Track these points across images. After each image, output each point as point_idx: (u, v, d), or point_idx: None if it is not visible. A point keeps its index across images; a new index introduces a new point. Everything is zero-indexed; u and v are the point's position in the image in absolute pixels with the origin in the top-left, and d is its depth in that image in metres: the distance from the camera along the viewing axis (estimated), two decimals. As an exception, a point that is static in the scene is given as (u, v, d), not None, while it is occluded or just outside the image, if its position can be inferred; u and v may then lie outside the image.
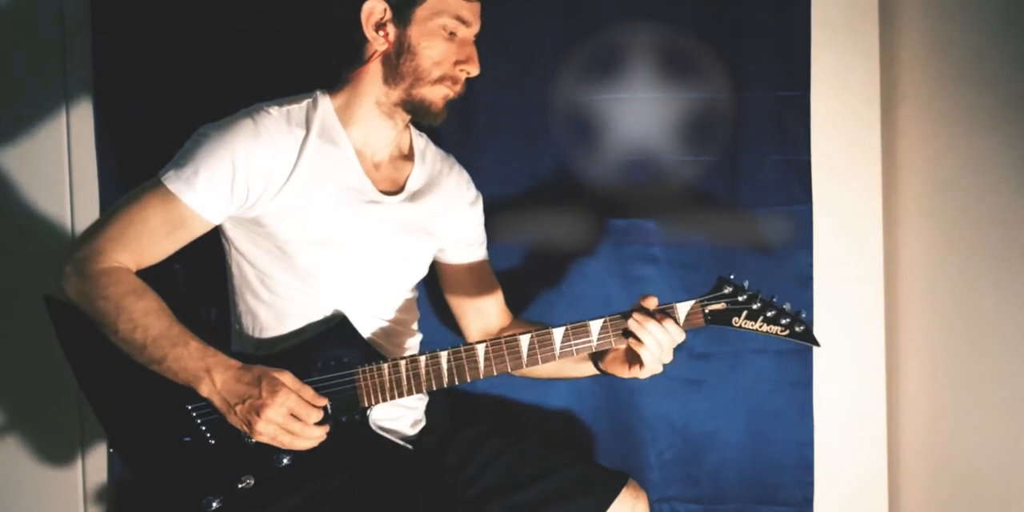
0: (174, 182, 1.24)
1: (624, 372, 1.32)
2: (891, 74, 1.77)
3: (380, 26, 1.32)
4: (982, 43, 1.49)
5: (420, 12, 1.31)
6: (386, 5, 1.31)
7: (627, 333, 1.26)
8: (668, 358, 1.27)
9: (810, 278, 1.75)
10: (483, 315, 1.54)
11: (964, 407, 1.56)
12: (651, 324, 1.23)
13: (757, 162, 1.74)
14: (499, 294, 1.56)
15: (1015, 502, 1.42)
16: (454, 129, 1.69)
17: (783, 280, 1.73)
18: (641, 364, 1.27)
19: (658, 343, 1.24)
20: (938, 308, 1.64)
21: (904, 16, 1.72)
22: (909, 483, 1.76)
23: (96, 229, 1.25)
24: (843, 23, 1.77)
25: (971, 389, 1.54)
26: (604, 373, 1.38)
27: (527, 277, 1.74)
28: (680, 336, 1.25)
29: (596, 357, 1.38)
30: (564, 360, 1.29)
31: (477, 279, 1.54)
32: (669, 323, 1.24)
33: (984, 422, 1.50)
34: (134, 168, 1.42)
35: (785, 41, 1.74)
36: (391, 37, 1.32)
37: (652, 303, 1.27)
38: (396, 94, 1.35)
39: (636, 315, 1.25)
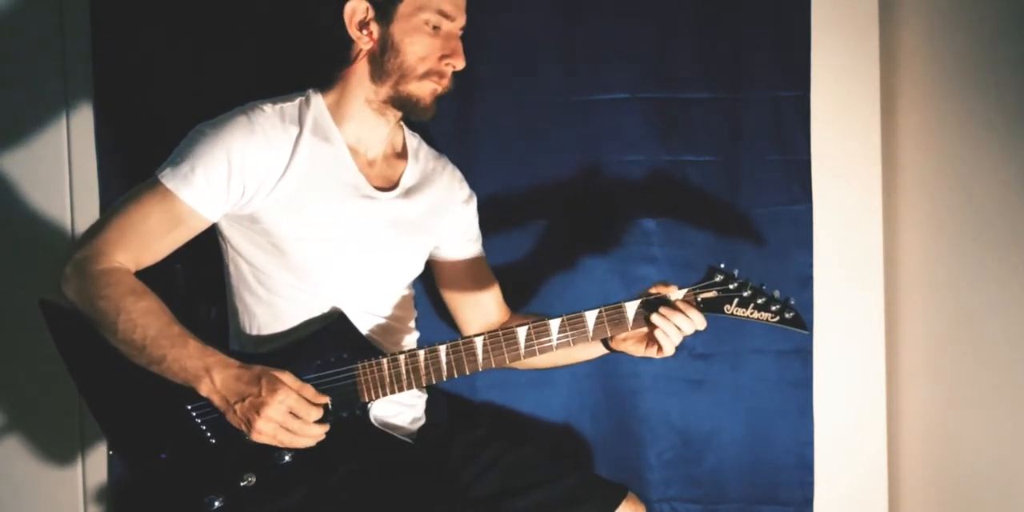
0: (171, 180, 1.24)
1: (638, 351, 1.35)
2: (891, 74, 1.77)
3: (363, 25, 1.33)
4: (982, 43, 1.49)
5: (402, 8, 1.31)
6: (368, 4, 1.32)
7: (648, 321, 1.30)
8: (679, 341, 1.31)
9: (810, 278, 1.75)
10: (482, 310, 1.54)
11: (964, 407, 1.56)
12: (678, 317, 1.27)
13: (757, 162, 1.75)
14: (497, 289, 1.56)
15: (1015, 502, 1.42)
16: (453, 129, 1.70)
17: (783, 280, 1.73)
18: (659, 348, 1.31)
19: (679, 331, 1.28)
20: (938, 308, 1.64)
21: (904, 16, 1.72)
22: (909, 483, 1.76)
23: (95, 230, 1.25)
24: (843, 23, 1.78)
25: (971, 389, 1.54)
26: (614, 352, 1.40)
27: (527, 277, 1.74)
28: (702, 323, 1.29)
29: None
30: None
31: (474, 274, 1.54)
32: (692, 311, 1.28)
33: (984, 422, 1.50)
34: (134, 168, 1.42)
35: (785, 41, 1.74)
36: (375, 35, 1.33)
37: (671, 287, 1.31)
38: (384, 91, 1.35)
39: (663, 309, 1.28)
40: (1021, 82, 1.37)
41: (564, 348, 1.31)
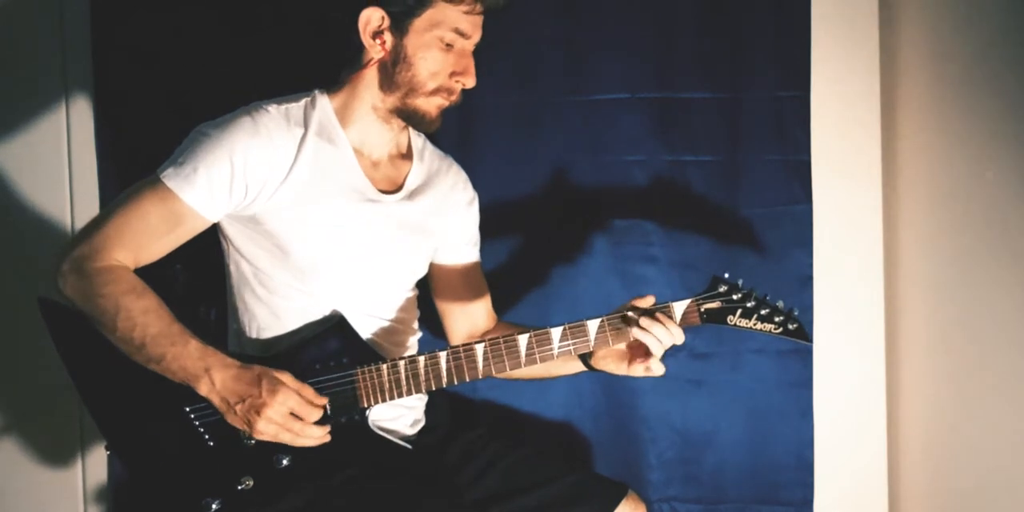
0: (173, 179, 1.23)
1: (620, 369, 1.33)
2: (891, 74, 1.77)
3: (377, 34, 1.31)
4: (982, 43, 1.49)
5: (418, 23, 1.30)
6: (384, 14, 1.30)
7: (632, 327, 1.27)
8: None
9: (810, 278, 1.75)
10: (471, 318, 1.54)
11: (964, 407, 1.56)
12: (658, 328, 1.25)
13: (757, 162, 1.75)
14: (487, 297, 1.56)
15: (1015, 502, 1.42)
16: (454, 129, 1.69)
17: (783, 280, 1.73)
18: (647, 366, 1.29)
19: (661, 345, 1.26)
20: (938, 308, 1.64)
21: (904, 16, 1.72)
22: (909, 483, 1.76)
23: (94, 227, 1.24)
24: (843, 23, 1.78)
25: (971, 389, 1.54)
26: (593, 370, 1.39)
27: (527, 277, 1.74)
28: (680, 337, 1.27)
29: (586, 354, 1.38)
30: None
31: (468, 281, 1.53)
32: (671, 325, 1.26)
33: (984, 422, 1.50)
34: (134, 168, 1.42)
35: (785, 41, 1.74)
36: (388, 46, 1.31)
37: (648, 302, 1.29)
38: (391, 101, 1.34)
39: (643, 320, 1.26)
40: (1021, 82, 1.37)
41: (547, 361, 1.29)
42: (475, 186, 1.57)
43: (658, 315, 1.26)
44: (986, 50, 1.48)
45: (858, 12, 1.78)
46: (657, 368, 1.29)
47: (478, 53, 1.37)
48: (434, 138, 1.58)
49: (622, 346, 1.33)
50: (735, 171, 1.75)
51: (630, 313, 1.28)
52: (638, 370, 1.31)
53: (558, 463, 1.45)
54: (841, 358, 1.80)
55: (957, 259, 1.57)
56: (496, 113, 1.73)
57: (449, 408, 1.65)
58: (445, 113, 1.39)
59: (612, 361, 1.34)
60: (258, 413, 1.17)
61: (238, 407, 1.18)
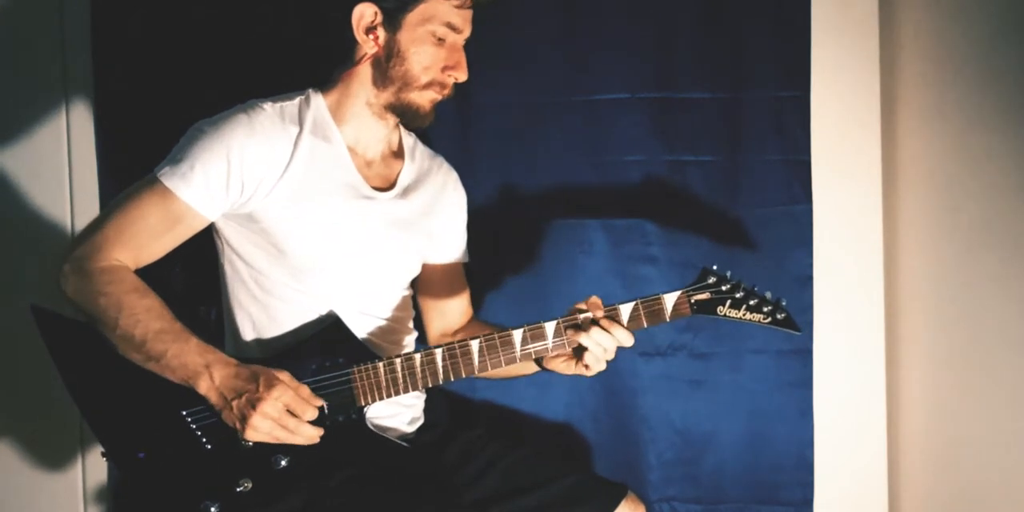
0: (170, 178, 1.24)
1: (568, 369, 1.33)
2: (891, 74, 1.77)
3: (370, 29, 1.32)
4: (982, 43, 1.49)
5: (411, 18, 1.31)
6: (377, 9, 1.31)
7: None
8: (611, 357, 1.29)
9: (810, 278, 1.75)
10: (446, 317, 1.55)
11: (964, 407, 1.56)
12: (594, 331, 1.25)
13: (757, 162, 1.75)
14: (467, 295, 1.56)
15: (1015, 502, 1.42)
16: (453, 129, 1.70)
17: (783, 280, 1.73)
18: (586, 364, 1.29)
19: (601, 347, 1.26)
20: (938, 308, 1.64)
21: (904, 16, 1.72)
22: (909, 483, 1.76)
23: (94, 227, 1.25)
24: (843, 23, 1.77)
25: (971, 389, 1.54)
26: (545, 370, 1.38)
27: (526, 277, 1.74)
28: (627, 339, 1.26)
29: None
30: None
31: (449, 281, 1.54)
32: (616, 328, 1.26)
33: (984, 422, 1.50)
34: (134, 168, 1.43)
35: (785, 41, 1.74)
36: (381, 41, 1.33)
37: (595, 303, 1.28)
38: (385, 96, 1.35)
39: (584, 325, 1.26)
40: (1021, 82, 1.37)
41: (541, 355, 1.30)
42: (475, 185, 1.57)
43: (602, 320, 1.26)
44: (986, 50, 1.48)
45: (858, 12, 1.78)
46: (598, 366, 1.29)
47: (479, 52, 1.38)
48: (434, 137, 1.58)
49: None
50: (735, 171, 1.75)
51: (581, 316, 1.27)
52: (581, 369, 1.31)
53: (557, 463, 1.45)
54: (841, 358, 1.80)
55: (957, 259, 1.57)
56: (496, 113, 1.73)
57: (448, 407, 1.65)
58: (445, 114, 1.39)
59: (562, 361, 1.34)
60: (254, 407, 1.17)
61: (234, 402, 1.18)
